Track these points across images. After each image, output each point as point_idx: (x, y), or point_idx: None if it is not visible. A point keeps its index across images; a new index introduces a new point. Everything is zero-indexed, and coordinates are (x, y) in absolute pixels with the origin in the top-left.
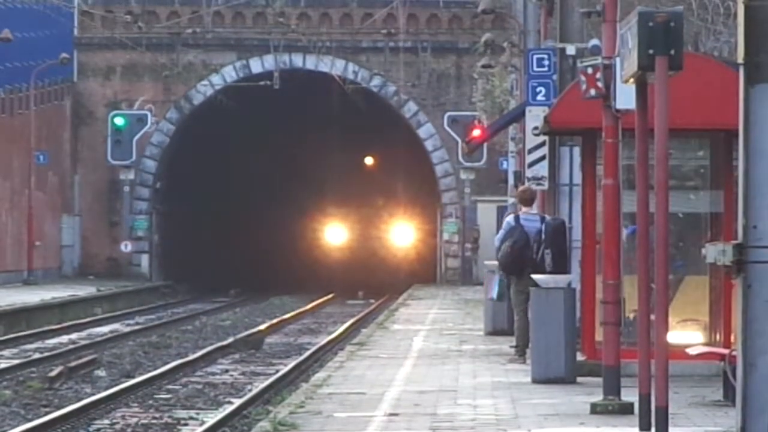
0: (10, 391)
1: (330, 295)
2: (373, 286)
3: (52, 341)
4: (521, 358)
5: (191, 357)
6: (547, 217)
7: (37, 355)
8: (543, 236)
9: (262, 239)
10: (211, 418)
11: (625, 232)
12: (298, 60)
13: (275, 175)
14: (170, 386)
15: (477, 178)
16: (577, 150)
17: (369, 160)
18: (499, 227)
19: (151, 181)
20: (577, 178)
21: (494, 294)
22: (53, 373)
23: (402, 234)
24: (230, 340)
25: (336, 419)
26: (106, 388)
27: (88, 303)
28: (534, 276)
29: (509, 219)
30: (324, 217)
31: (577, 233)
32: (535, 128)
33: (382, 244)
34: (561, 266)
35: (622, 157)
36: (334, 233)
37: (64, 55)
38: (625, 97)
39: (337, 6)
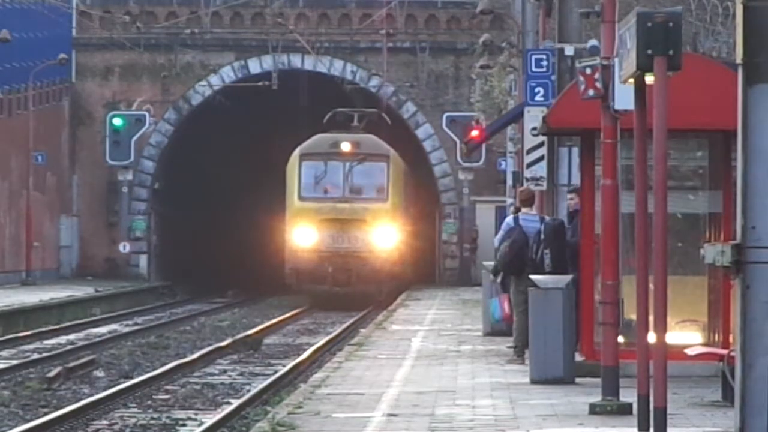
0: (9, 392)
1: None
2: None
3: (50, 342)
4: (520, 359)
5: (190, 358)
6: (547, 218)
7: (35, 356)
8: (542, 237)
9: (260, 240)
10: (210, 418)
11: None
12: (296, 60)
13: (273, 176)
14: (169, 387)
15: (475, 179)
16: (575, 150)
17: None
18: (498, 228)
19: (149, 181)
20: (576, 178)
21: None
22: (52, 374)
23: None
24: (229, 340)
25: (334, 420)
26: (105, 389)
27: (86, 303)
28: (533, 276)
29: (508, 219)
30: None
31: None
32: (534, 129)
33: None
34: (560, 267)
35: (621, 157)
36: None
37: (62, 55)
38: (624, 98)
39: (335, 6)
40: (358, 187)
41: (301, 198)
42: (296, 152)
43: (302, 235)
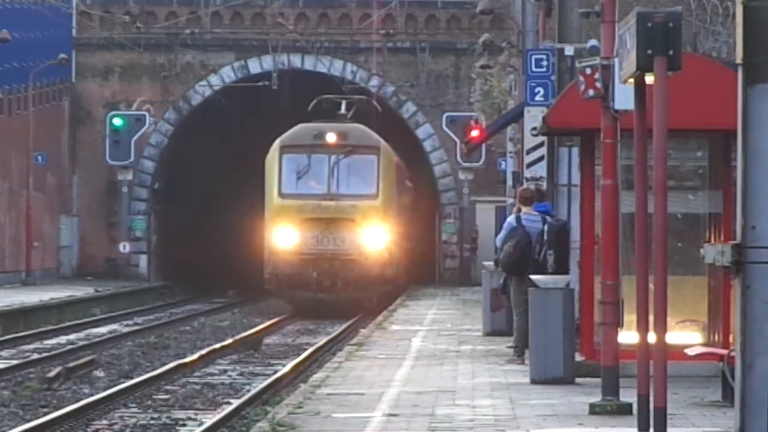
0: (9, 392)
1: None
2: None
3: (50, 342)
4: (520, 359)
5: (190, 358)
6: (549, 218)
7: (35, 356)
8: (545, 237)
9: (260, 240)
10: (210, 418)
11: None
12: (296, 60)
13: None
14: (169, 387)
15: (475, 179)
16: (575, 150)
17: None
18: (498, 228)
19: (149, 181)
20: (576, 178)
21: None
22: (52, 374)
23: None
24: (229, 340)
25: (334, 420)
26: (105, 389)
27: (86, 303)
28: (532, 276)
29: (511, 219)
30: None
31: (575, 234)
32: (534, 129)
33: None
34: (563, 267)
35: (621, 157)
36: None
37: (62, 55)
38: (624, 98)
39: (335, 6)
40: (344, 182)
41: (281, 195)
42: (276, 144)
43: (283, 236)
